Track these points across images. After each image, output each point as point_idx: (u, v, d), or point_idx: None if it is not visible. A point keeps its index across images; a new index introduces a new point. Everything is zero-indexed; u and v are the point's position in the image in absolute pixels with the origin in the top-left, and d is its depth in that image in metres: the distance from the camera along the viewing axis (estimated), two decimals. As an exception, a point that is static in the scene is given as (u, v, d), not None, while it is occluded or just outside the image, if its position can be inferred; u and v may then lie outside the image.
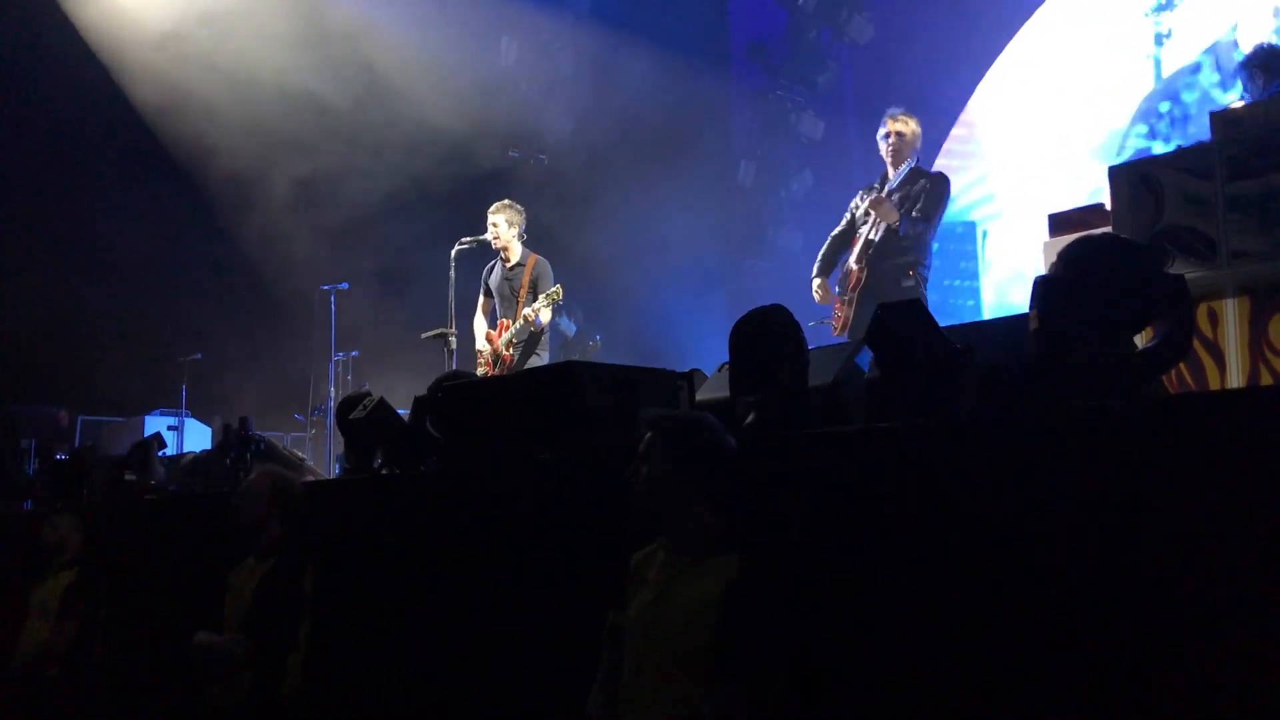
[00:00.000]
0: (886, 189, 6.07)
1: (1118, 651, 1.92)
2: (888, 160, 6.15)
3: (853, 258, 6.07)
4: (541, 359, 6.82)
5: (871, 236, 5.98)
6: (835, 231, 6.36)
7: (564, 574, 3.03)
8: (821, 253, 6.38)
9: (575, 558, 3.01)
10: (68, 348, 10.23)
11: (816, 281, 6.28)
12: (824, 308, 6.27)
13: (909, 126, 6.10)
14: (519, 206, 7.05)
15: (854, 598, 2.32)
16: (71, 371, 10.51)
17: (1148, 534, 1.91)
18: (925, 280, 5.96)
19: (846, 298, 6.07)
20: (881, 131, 6.18)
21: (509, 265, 6.95)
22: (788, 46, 10.67)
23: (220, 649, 3.62)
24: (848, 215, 6.32)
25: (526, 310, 6.67)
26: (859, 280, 5.97)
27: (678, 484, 2.40)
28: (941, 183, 6.05)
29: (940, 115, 10.06)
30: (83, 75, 10.03)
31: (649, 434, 2.49)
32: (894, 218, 5.85)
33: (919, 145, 6.19)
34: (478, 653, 3.27)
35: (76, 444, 10.20)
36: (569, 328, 9.58)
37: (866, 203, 6.13)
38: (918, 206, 5.86)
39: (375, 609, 3.75)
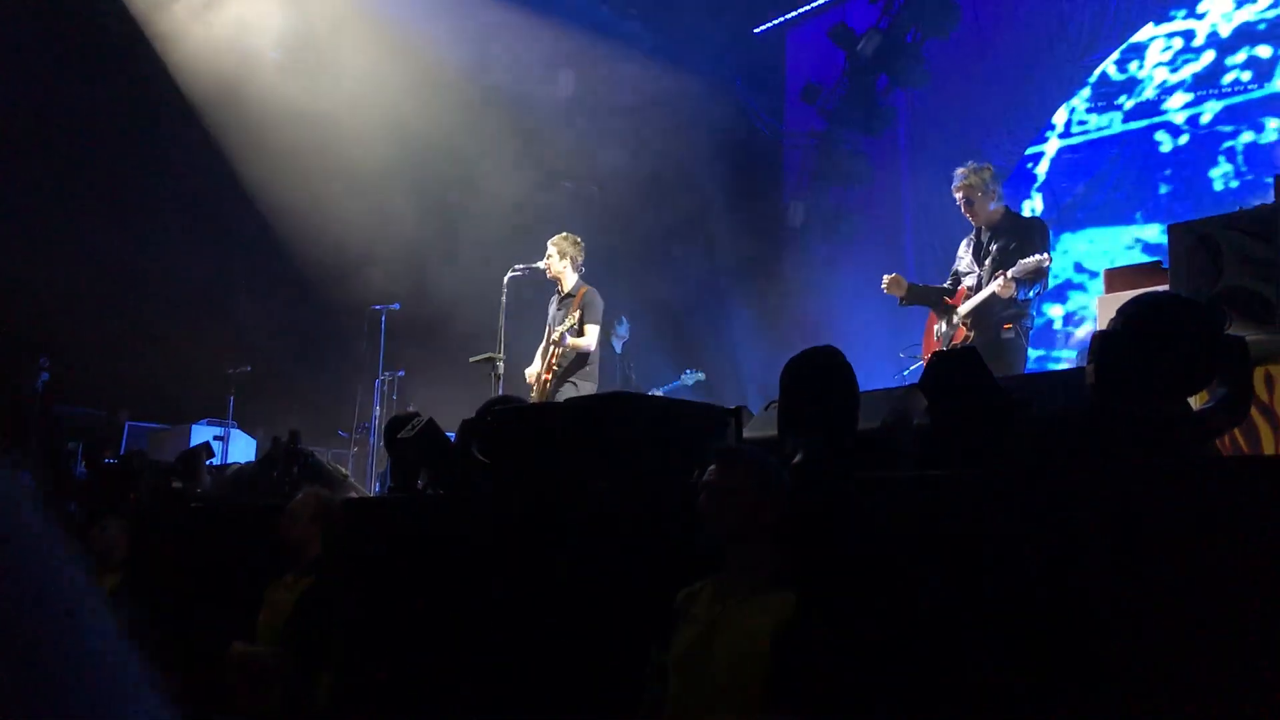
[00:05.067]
0: (983, 240, 6.00)
1: (1163, 703, 1.91)
2: (969, 218, 6.11)
3: (959, 314, 5.93)
4: (578, 388, 6.86)
5: (980, 299, 5.81)
6: (944, 285, 6.24)
7: (606, 606, 3.03)
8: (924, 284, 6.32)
9: (617, 589, 3.02)
10: (119, 354, 10.42)
11: (897, 276, 6.16)
12: (915, 340, 6.19)
13: (969, 182, 6.00)
14: (577, 239, 7.16)
15: (901, 640, 2.31)
16: (121, 377, 10.69)
17: (1195, 592, 1.90)
18: (1028, 332, 5.81)
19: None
20: (955, 196, 6.14)
21: (562, 295, 7.09)
22: (843, 90, 10.69)
23: (255, 659, 3.73)
24: (954, 271, 6.23)
25: (558, 329, 6.80)
26: (966, 339, 5.82)
27: (745, 519, 2.40)
28: (1040, 233, 5.89)
29: (996, 165, 10.03)
30: (147, 89, 10.29)
31: (717, 466, 2.49)
32: (1012, 291, 5.66)
33: (996, 188, 6.07)
34: (512, 682, 3.27)
35: (123, 449, 10.36)
36: (623, 333, 9.64)
37: (968, 257, 6.07)
38: (1024, 269, 5.62)
39: (411, 628, 3.77)
